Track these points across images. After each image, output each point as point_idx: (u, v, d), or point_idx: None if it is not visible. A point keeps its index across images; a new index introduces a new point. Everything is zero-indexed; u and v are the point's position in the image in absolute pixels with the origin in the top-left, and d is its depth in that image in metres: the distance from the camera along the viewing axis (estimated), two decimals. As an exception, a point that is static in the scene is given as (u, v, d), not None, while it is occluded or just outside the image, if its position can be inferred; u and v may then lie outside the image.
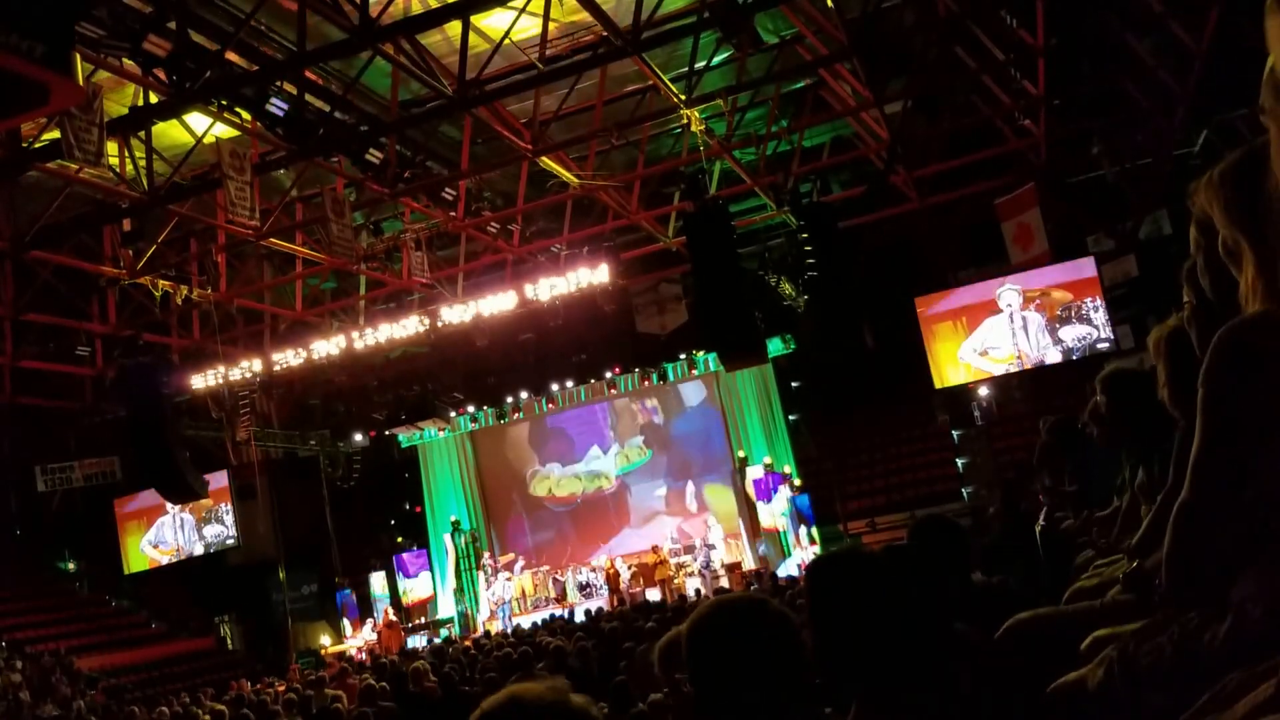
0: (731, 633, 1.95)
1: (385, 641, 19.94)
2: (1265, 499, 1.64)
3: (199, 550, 21.60)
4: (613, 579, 20.25)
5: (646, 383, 22.43)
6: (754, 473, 20.43)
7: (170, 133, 13.14)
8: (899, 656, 2.10)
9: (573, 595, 20.83)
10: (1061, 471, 5.93)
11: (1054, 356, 16.37)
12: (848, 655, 2.14)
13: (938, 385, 17.69)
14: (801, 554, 18.75)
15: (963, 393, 19.46)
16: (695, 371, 22.13)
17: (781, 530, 19.70)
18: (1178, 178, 15.66)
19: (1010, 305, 16.48)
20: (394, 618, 21.10)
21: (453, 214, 15.71)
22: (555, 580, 21.61)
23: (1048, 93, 14.28)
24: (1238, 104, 14.44)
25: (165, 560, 21.75)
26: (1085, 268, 16.32)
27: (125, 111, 11.77)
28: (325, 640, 22.71)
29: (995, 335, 16.61)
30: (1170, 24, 12.55)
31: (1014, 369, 16.99)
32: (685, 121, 13.39)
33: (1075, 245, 17.17)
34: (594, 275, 17.21)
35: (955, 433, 21.18)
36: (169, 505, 20.67)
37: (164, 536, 21.75)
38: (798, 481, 20.73)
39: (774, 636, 1.92)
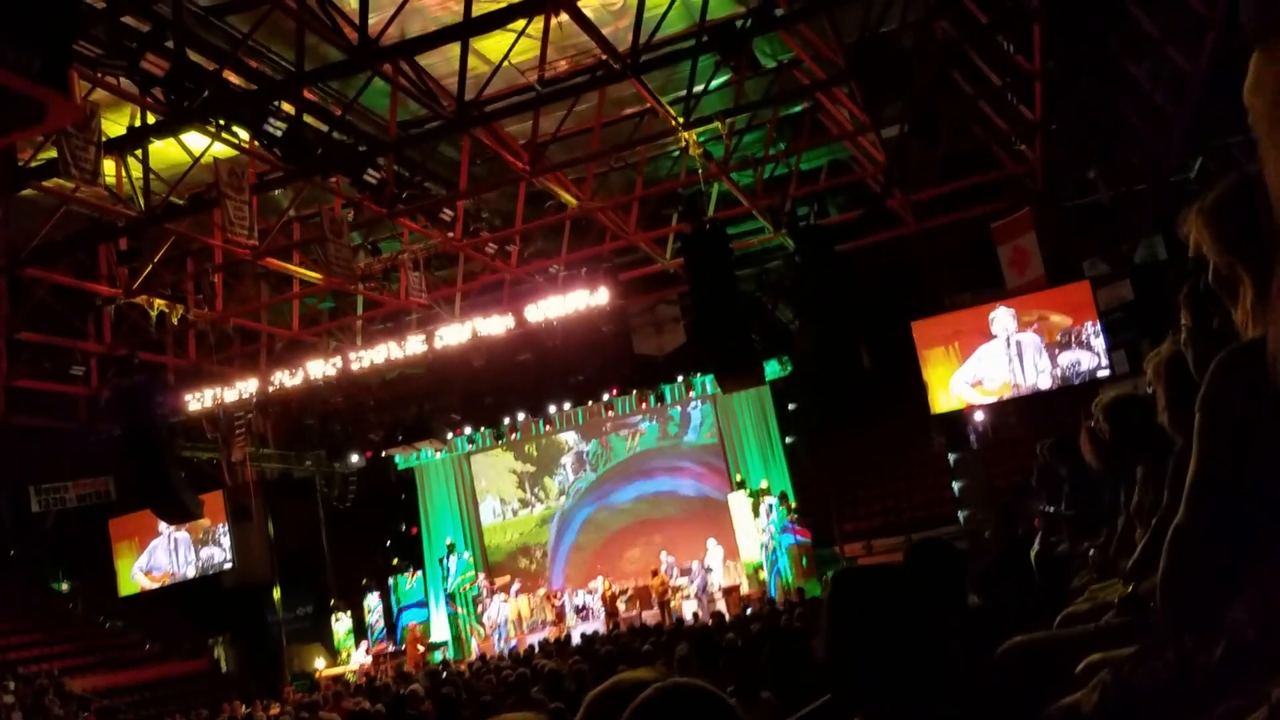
0: None
1: (412, 660, 19.96)
2: (1260, 524, 1.63)
3: (192, 574, 21.49)
4: (609, 602, 20.18)
5: (644, 404, 22.44)
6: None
7: (167, 152, 13.17)
8: (913, 674, 2.10)
9: (570, 618, 20.76)
10: (1059, 494, 5.93)
11: (1049, 383, 16.36)
12: (866, 669, 2.13)
13: (933, 410, 17.71)
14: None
15: (959, 416, 19.46)
16: (693, 393, 22.14)
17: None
18: (1174, 202, 15.71)
19: (1005, 330, 16.48)
20: (420, 634, 21.02)
21: (450, 234, 15.73)
22: (552, 603, 21.56)
23: (1044, 117, 14.33)
24: (1234, 129, 14.49)
25: (155, 586, 21.65)
26: (1081, 292, 16.36)
27: (123, 131, 11.79)
28: (320, 662, 22.58)
29: (988, 364, 16.58)
30: (1167, 49, 12.61)
31: (1008, 397, 17.01)
32: (683, 144, 13.43)
33: (1071, 269, 17.21)
34: (592, 296, 17.23)
35: (951, 456, 21.14)
36: (162, 526, 20.59)
37: (157, 561, 21.61)
38: (794, 504, 20.71)
39: None
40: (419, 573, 23.16)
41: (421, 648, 20.95)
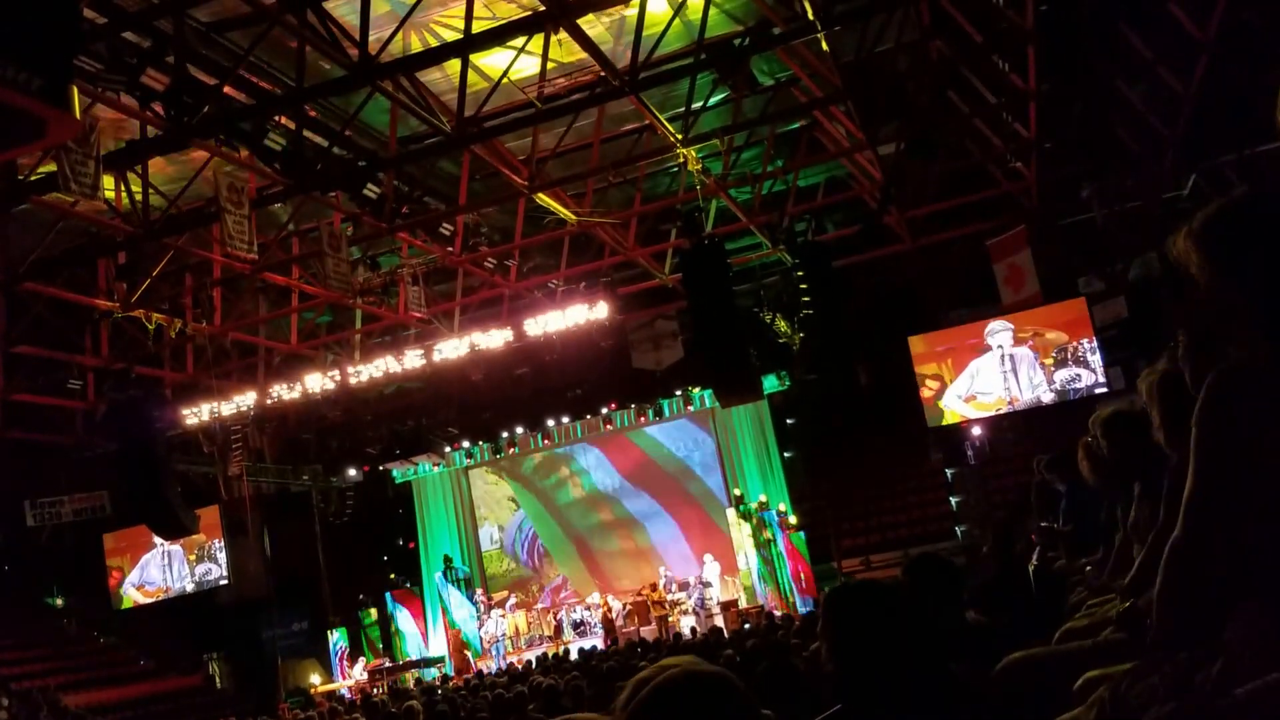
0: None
1: (458, 665, 19.84)
2: (1256, 539, 1.65)
3: (188, 589, 21.43)
4: (606, 617, 20.15)
5: (642, 418, 22.45)
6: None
7: (167, 166, 13.20)
8: (913, 687, 2.12)
9: (567, 633, 20.70)
10: (1056, 510, 5.94)
11: (1047, 397, 16.39)
12: (867, 682, 2.16)
13: (930, 425, 17.75)
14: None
15: (956, 431, 19.49)
16: (691, 408, 22.16)
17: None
18: (1167, 221, 15.79)
19: (1001, 345, 16.52)
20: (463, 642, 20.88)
21: (450, 249, 15.76)
22: (550, 618, 21.51)
23: (1039, 136, 14.41)
24: (1226, 149, 14.60)
25: (149, 601, 21.59)
26: (1077, 309, 16.41)
27: (123, 145, 11.83)
28: (315, 679, 22.48)
29: (984, 379, 16.62)
30: (1160, 70, 12.71)
31: (1004, 411, 17.04)
32: (682, 160, 13.49)
33: (1066, 287, 17.28)
34: (590, 311, 17.25)
35: (949, 471, 21.17)
36: (157, 541, 20.53)
37: (150, 576, 21.56)
38: (793, 519, 20.70)
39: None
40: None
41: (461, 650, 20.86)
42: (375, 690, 18.52)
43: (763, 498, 20.74)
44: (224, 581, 21.40)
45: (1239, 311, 1.73)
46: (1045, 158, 15.31)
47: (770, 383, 20.52)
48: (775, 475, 21.76)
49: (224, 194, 11.80)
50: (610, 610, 20.27)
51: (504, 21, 11.09)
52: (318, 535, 23.46)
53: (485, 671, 17.70)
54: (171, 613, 22.63)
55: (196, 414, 18.98)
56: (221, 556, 21.15)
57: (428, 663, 21.18)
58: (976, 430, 20.16)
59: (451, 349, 17.97)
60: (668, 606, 19.74)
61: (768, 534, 20.05)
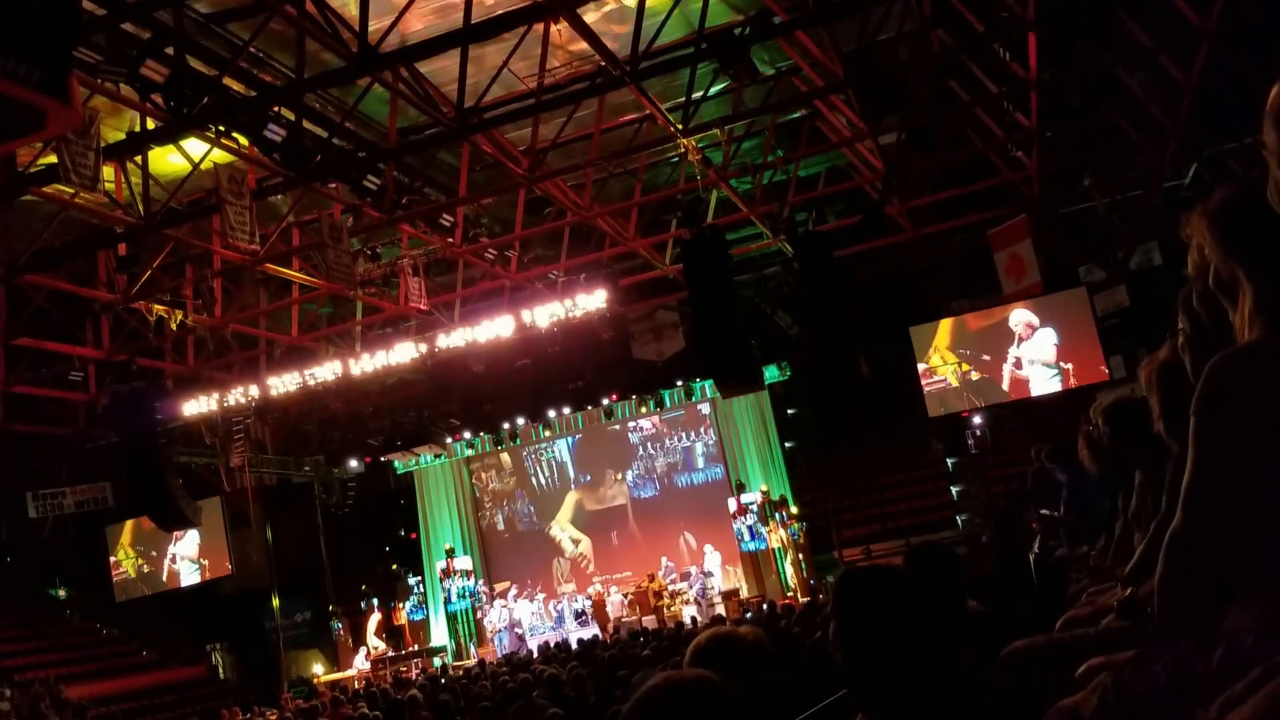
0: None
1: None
2: (1257, 527, 1.66)
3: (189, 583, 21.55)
4: (599, 607, 20.22)
5: (643, 409, 22.47)
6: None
7: (166, 159, 13.19)
8: (917, 676, 2.13)
9: (569, 623, 20.76)
10: (1056, 499, 5.95)
11: (1045, 389, 16.44)
12: (873, 670, 2.17)
13: (931, 415, 17.77)
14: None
15: (956, 420, 19.51)
16: (692, 398, 22.17)
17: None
18: (1168, 210, 15.80)
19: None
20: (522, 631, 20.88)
21: (450, 240, 15.75)
22: (552, 608, 21.57)
23: (1040, 126, 14.39)
24: (1227, 138, 14.58)
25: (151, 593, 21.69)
26: (1078, 299, 16.42)
27: (122, 137, 11.81)
28: (318, 669, 22.55)
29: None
30: (1161, 59, 12.68)
31: (1005, 388, 17.10)
32: (682, 150, 13.46)
33: (1067, 276, 17.27)
34: (591, 302, 17.24)
35: (949, 461, 21.20)
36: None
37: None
38: (794, 509, 20.72)
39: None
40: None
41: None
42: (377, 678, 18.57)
43: (764, 488, 20.77)
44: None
45: (1248, 294, 1.73)
46: (1046, 147, 15.29)
47: (771, 373, 20.55)
48: (776, 465, 21.80)
49: (224, 185, 11.79)
50: (606, 601, 20.34)
51: (504, 11, 11.07)
52: (319, 526, 23.52)
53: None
54: (174, 604, 22.69)
55: (198, 405, 18.99)
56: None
57: (430, 652, 21.25)
58: (977, 419, 20.19)
59: (452, 340, 17.98)
60: (669, 596, 19.79)
61: (771, 525, 20.07)
